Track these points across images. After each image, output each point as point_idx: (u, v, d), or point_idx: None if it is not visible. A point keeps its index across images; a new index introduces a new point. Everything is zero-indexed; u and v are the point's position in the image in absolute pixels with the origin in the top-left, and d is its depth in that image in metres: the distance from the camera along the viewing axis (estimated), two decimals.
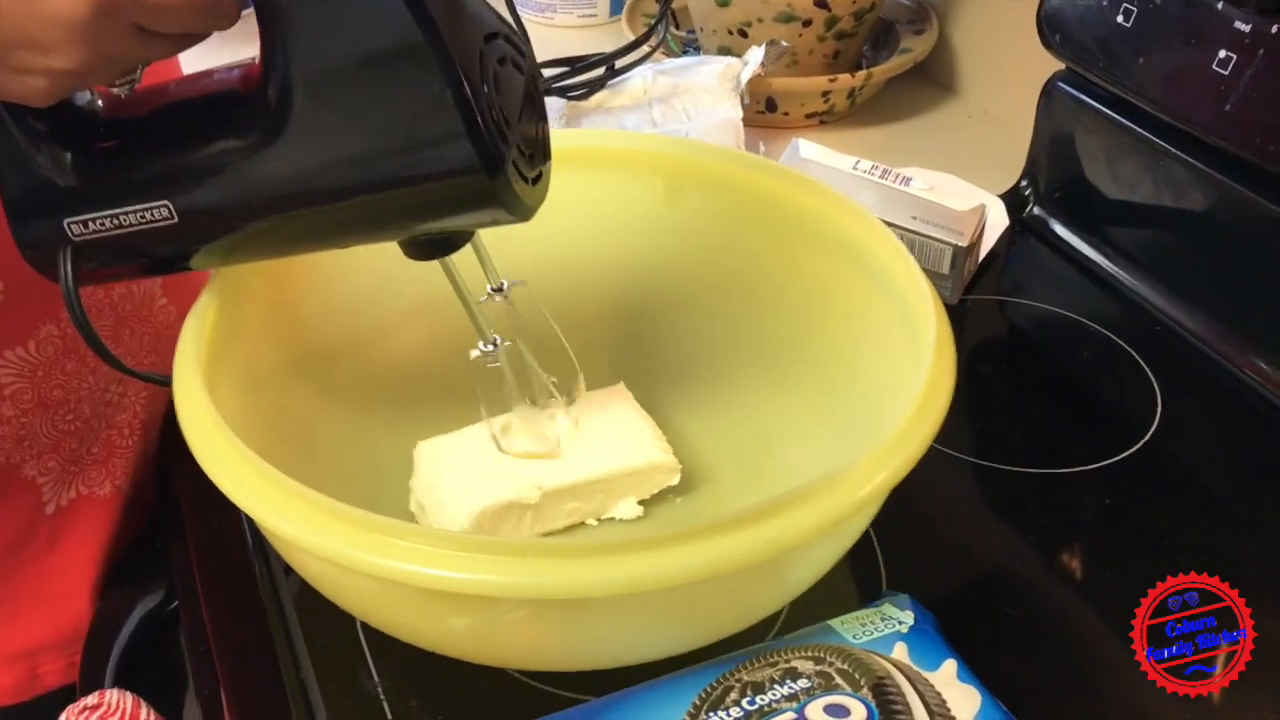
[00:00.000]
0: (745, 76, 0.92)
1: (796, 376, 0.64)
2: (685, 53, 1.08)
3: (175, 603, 0.64)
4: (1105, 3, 0.76)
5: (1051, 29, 0.81)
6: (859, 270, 0.59)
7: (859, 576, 0.59)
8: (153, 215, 0.47)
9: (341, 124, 0.44)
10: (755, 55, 0.93)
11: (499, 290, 0.56)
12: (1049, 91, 0.86)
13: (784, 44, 0.95)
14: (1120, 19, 0.75)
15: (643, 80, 0.93)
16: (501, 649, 0.51)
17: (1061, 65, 0.84)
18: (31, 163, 0.47)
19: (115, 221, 0.47)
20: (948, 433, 0.69)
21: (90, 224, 0.47)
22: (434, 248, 0.51)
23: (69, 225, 0.47)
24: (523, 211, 0.46)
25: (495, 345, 0.55)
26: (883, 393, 0.56)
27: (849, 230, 0.60)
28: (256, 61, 0.46)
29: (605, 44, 1.12)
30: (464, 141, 0.42)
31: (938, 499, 0.66)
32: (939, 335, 0.51)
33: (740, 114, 0.91)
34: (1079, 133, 0.84)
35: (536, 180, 0.48)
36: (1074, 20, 0.79)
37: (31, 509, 0.64)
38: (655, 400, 0.67)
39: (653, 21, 1.09)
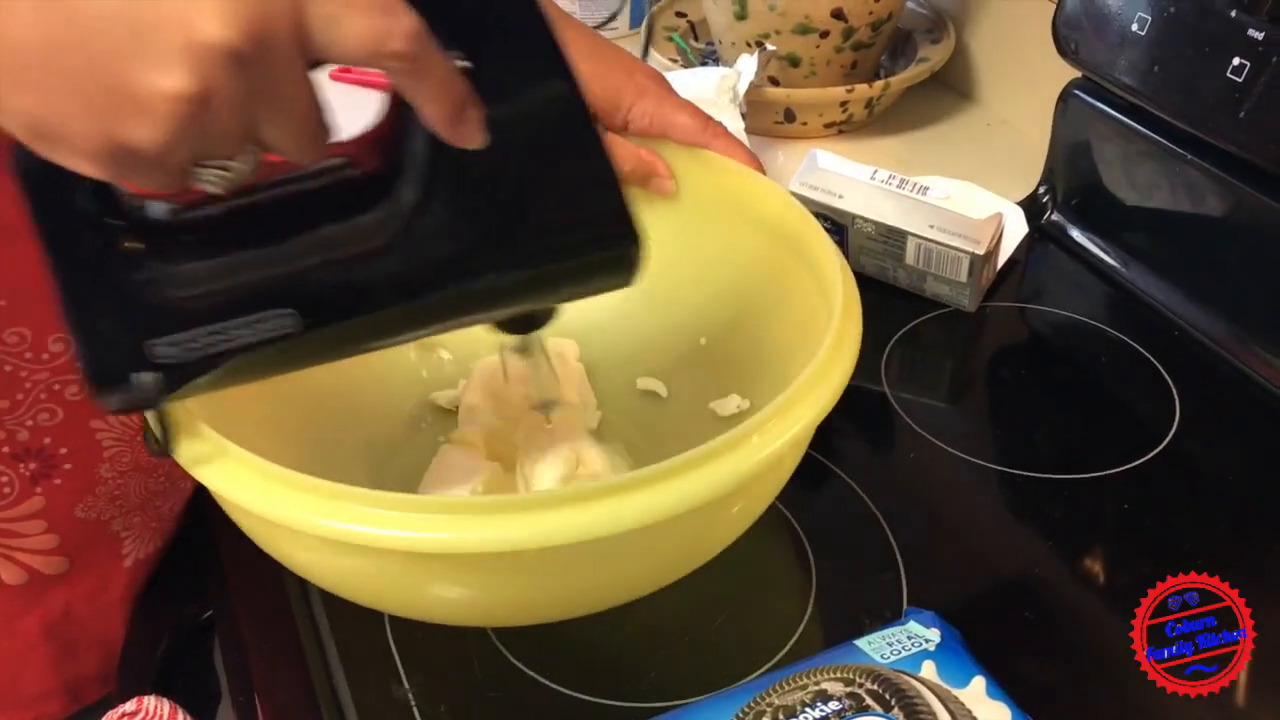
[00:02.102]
0: (741, 87, 0.93)
1: (738, 354, 0.66)
2: (703, 64, 1.09)
3: (209, 612, 0.65)
4: (1120, 12, 0.77)
5: (1067, 38, 0.81)
6: (787, 250, 0.61)
7: (881, 583, 0.60)
8: (268, 326, 0.41)
9: (495, 203, 0.43)
10: (747, 64, 0.94)
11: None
12: (1065, 99, 0.86)
13: (771, 48, 0.96)
14: (1135, 28, 0.76)
15: None
16: (440, 606, 0.52)
17: (1078, 73, 0.85)
18: (120, 273, 0.41)
19: (221, 337, 0.41)
20: (969, 438, 0.71)
21: (183, 344, 0.41)
22: (531, 323, 0.50)
23: (154, 348, 0.41)
24: (641, 270, 0.46)
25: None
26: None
27: (774, 211, 0.62)
28: (373, 133, 0.43)
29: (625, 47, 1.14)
30: (622, 218, 0.43)
31: (959, 505, 0.67)
32: (845, 301, 0.53)
33: (742, 125, 0.91)
34: (1095, 140, 0.85)
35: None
36: (1089, 29, 0.80)
37: (110, 560, 0.66)
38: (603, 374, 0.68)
39: (672, 34, 1.10)
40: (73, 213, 0.40)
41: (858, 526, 0.64)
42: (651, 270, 0.68)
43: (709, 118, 0.65)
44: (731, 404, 0.64)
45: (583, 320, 0.66)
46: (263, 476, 0.45)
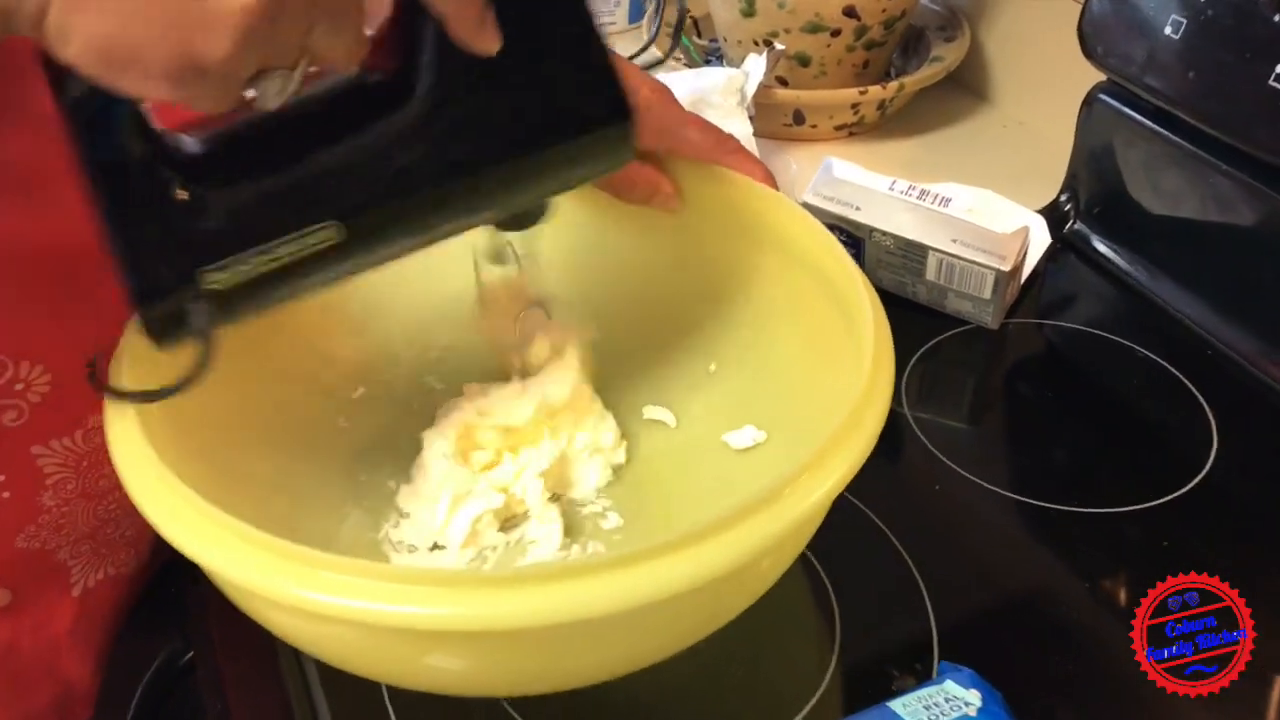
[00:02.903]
0: (750, 89, 0.89)
1: (752, 384, 0.62)
2: (708, 62, 1.05)
3: (190, 653, 0.61)
4: (1151, 14, 0.73)
5: (1093, 40, 0.78)
6: (811, 278, 0.57)
7: (910, 629, 0.56)
8: (314, 239, 0.43)
9: (504, 93, 0.45)
10: (756, 65, 0.90)
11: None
12: (1090, 103, 0.83)
13: (780, 47, 0.92)
14: (1169, 31, 0.72)
15: None
16: (443, 678, 0.48)
17: (1100, 75, 0.81)
18: (166, 204, 0.42)
19: (269, 257, 0.43)
20: (995, 467, 0.68)
21: (232, 267, 0.42)
22: (529, 218, 0.53)
23: (205, 275, 0.42)
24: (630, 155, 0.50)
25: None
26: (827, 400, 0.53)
27: (791, 231, 0.59)
28: (380, 36, 0.44)
29: (624, 51, 1.10)
30: (613, 92, 0.47)
31: (988, 541, 0.64)
32: (877, 337, 0.50)
33: (750, 129, 0.87)
34: (1121, 146, 0.81)
35: None
36: (1118, 32, 0.76)
37: (57, 592, 0.62)
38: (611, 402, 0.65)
39: (673, 30, 1.06)
40: (120, 149, 0.41)
41: (880, 563, 0.60)
42: (655, 290, 0.66)
43: (720, 132, 0.61)
44: (747, 436, 0.60)
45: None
46: (235, 536, 0.41)
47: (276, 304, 0.45)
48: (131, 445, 0.44)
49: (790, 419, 0.58)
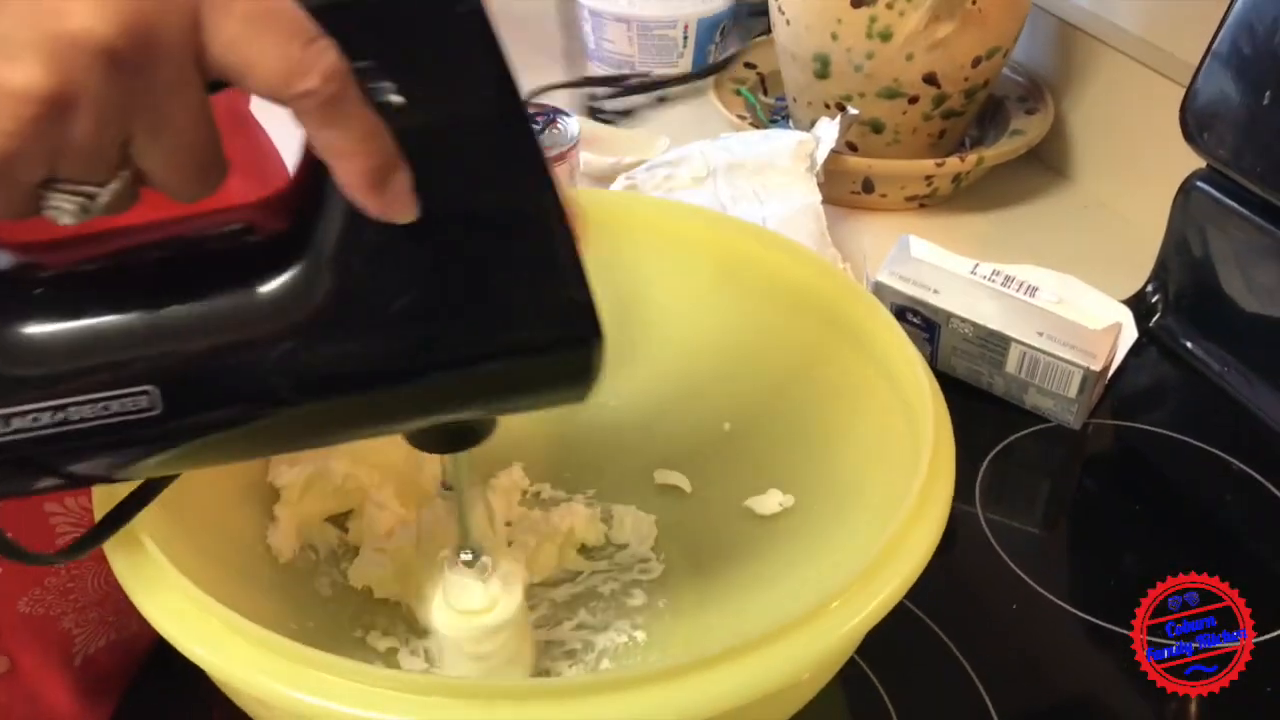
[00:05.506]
0: (821, 155, 0.84)
1: (764, 442, 0.59)
2: (773, 122, 1.00)
3: None
4: (1266, 104, 0.68)
5: (1199, 126, 0.73)
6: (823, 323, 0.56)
7: None
8: (122, 406, 0.34)
9: (417, 286, 0.35)
10: (828, 130, 0.85)
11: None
12: (1187, 190, 0.77)
13: (854, 112, 0.87)
14: None
15: (703, 157, 0.85)
16: None
17: (1192, 156, 0.76)
18: None
19: (59, 416, 0.34)
20: (1079, 588, 0.62)
21: (13, 420, 0.34)
22: (460, 439, 0.42)
23: None
24: (597, 381, 0.38)
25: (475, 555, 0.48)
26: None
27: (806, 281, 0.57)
28: (283, 194, 0.37)
29: (687, 105, 1.06)
30: (583, 312, 0.35)
31: (1070, 673, 0.59)
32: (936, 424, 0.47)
33: (819, 197, 0.82)
34: (1217, 237, 0.76)
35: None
36: (1227, 120, 0.71)
37: (59, 661, 0.58)
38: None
39: (740, 87, 1.02)
40: None
41: (947, 688, 0.56)
42: (663, 348, 0.60)
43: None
44: (772, 500, 0.57)
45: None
46: (230, 630, 0.39)
47: (53, 489, 0.37)
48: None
49: (819, 480, 0.55)
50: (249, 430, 0.36)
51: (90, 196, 0.31)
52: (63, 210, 0.31)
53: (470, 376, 0.36)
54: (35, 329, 0.34)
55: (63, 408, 0.33)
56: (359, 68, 0.31)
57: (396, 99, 0.33)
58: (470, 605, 0.48)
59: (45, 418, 0.33)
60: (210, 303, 0.34)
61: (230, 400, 0.35)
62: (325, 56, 0.30)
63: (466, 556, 0.47)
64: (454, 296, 0.35)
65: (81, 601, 0.57)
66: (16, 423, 0.33)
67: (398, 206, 0.33)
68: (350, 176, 0.32)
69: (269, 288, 0.34)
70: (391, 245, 0.34)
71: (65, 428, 0.34)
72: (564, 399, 0.38)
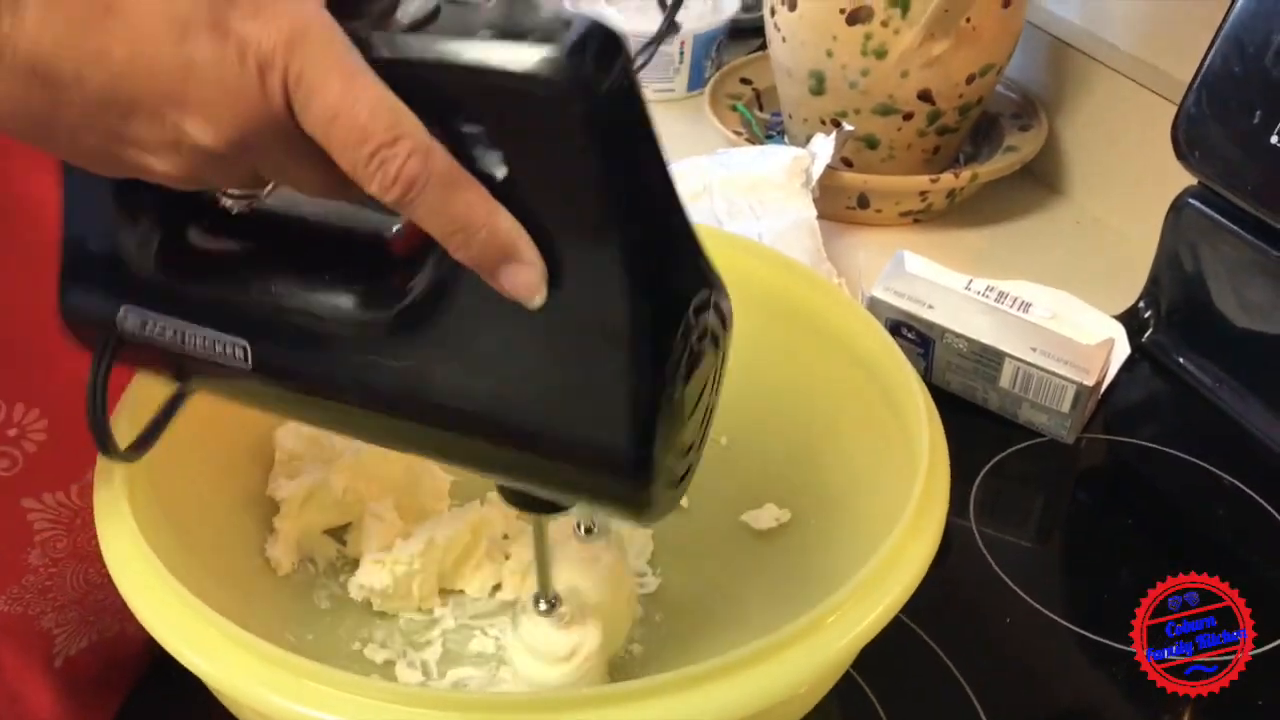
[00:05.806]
0: (817, 171, 0.85)
1: (761, 457, 0.59)
2: (769, 138, 1.01)
3: None
4: (1256, 122, 0.68)
5: (1189, 145, 0.73)
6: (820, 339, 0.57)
7: None
8: (223, 350, 0.39)
9: (498, 350, 0.35)
10: (823, 146, 0.86)
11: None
12: (1178, 208, 0.78)
13: (849, 128, 0.88)
14: (1275, 140, 0.67)
15: (699, 173, 0.86)
16: None
17: (1184, 173, 0.76)
18: (116, 230, 0.40)
19: (177, 335, 0.39)
20: (1072, 602, 0.62)
21: (149, 325, 0.40)
22: (538, 504, 0.43)
23: (125, 313, 0.40)
24: (652, 517, 0.38)
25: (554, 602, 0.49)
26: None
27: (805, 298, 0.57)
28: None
29: (683, 120, 1.07)
30: (627, 445, 0.35)
31: (1066, 688, 0.59)
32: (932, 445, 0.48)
33: (814, 213, 0.83)
34: (1209, 253, 0.76)
35: (682, 480, 0.39)
36: (1217, 138, 0.71)
37: (38, 662, 0.58)
38: None
39: (735, 103, 1.03)
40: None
41: (942, 702, 0.56)
42: None
43: None
44: (769, 515, 0.57)
45: None
46: (229, 642, 0.40)
47: (185, 385, 0.44)
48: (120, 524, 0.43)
49: (816, 495, 0.56)
50: (325, 411, 0.40)
51: (250, 198, 0.38)
52: (234, 204, 0.39)
53: (516, 453, 0.37)
54: (197, 259, 0.40)
55: (181, 331, 0.39)
56: (468, 133, 0.33)
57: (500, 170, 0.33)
58: (549, 650, 0.49)
59: (169, 334, 0.40)
60: (325, 284, 0.38)
61: (308, 389, 0.39)
62: (397, 164, 0.32)
63: (543, 607, 0.48)
64: (528, 376, 0.36)
65: (60, 600, 0.57)
66: (150, 328, 0.40)
67: (519, 294, 0.34)
68: (460, 256, 0.34)
69: (374, 294, 0.37)
70: (491, 308, 0.35)
71: (183, 350, 0.40)
72: (621, 515, 0.41)
